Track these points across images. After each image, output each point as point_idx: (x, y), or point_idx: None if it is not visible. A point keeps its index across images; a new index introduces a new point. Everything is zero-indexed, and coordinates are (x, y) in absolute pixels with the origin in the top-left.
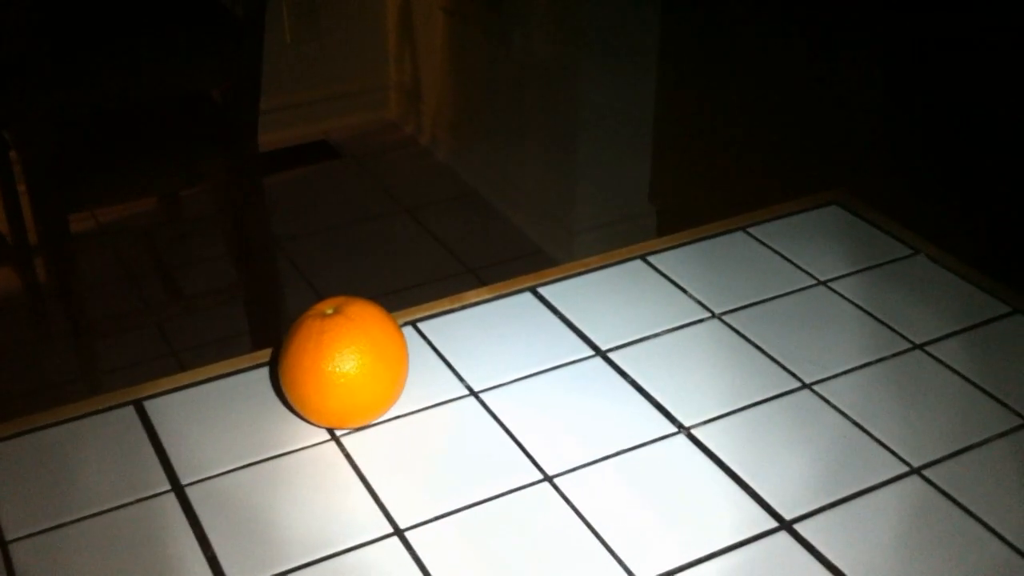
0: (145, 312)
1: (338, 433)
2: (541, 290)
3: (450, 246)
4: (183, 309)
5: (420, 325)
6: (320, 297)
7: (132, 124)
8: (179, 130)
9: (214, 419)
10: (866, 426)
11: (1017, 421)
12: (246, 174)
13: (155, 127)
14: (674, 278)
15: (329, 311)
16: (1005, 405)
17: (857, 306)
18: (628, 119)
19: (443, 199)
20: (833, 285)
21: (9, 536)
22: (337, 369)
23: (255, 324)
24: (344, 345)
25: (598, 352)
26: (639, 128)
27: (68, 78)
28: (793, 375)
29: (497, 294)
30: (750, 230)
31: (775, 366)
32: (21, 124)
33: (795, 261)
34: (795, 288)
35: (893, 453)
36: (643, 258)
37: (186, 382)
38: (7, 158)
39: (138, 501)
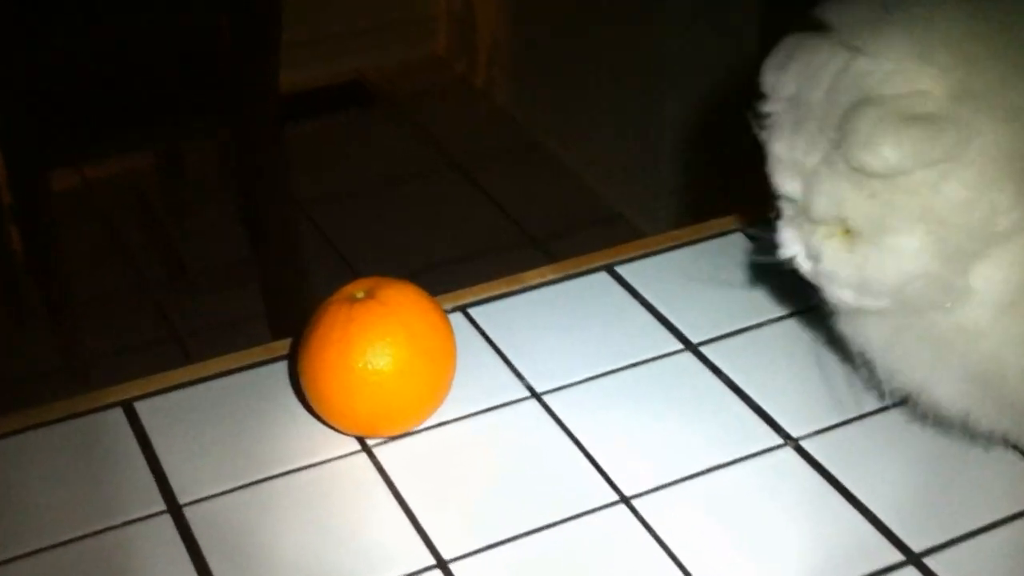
0: (140, 291)
1: (369, 443)
2: (619, 269)
3: (509, 211)
4: (186, 288)
5: (471, 311)
6: (352, 272)
7: (124, 62)
8: (181, 69)
9: (219, 425)
10: None
11: None
12: (262, 123)
13: (152, 65)
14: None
15: (359, 295)
16: None
17: None
18: (725, 55)
19: (500, 152)
20: None
21: None
22: (368, 366)
23: (273, 307)
24: (377, 336)
25: (688, 346)
26: (740, 68)
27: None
28: None
29: (565, 274)
30: None
31: None
32: None
33: None
34: None
35: None
36: (744, 231)
37: (185, 379)
38: None
39: (125, 524)
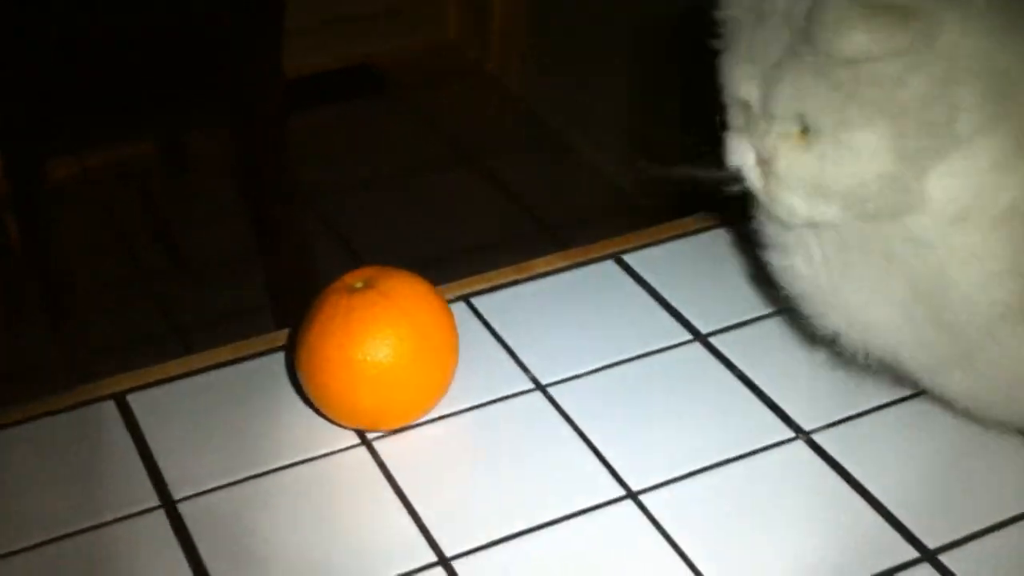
0: (140, 282)
1: (369, 436)
2: (627, 258)
3: (520, 199)
4: (188, 279)
5: (474, 301)
6: (357, 262)
7: (125, 48)
8: (183, 56)
9: (215, 418)
10: None
11: None
12: (266, 111)
13: (151, 49)
14: None
15: (359, 284)
16: None
17: None
18: None
19: (512, 140)
20: None
21: None
22: (368, 358)
23: (277, 299)
24: (377, 328)
25: (697, 336)
26: None
27: None
28: None
29: (572, 262)
30: None
31: None
32: None
33: None
34: None
35: None
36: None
37: (180, 371)
38: None
39: (117, 520)
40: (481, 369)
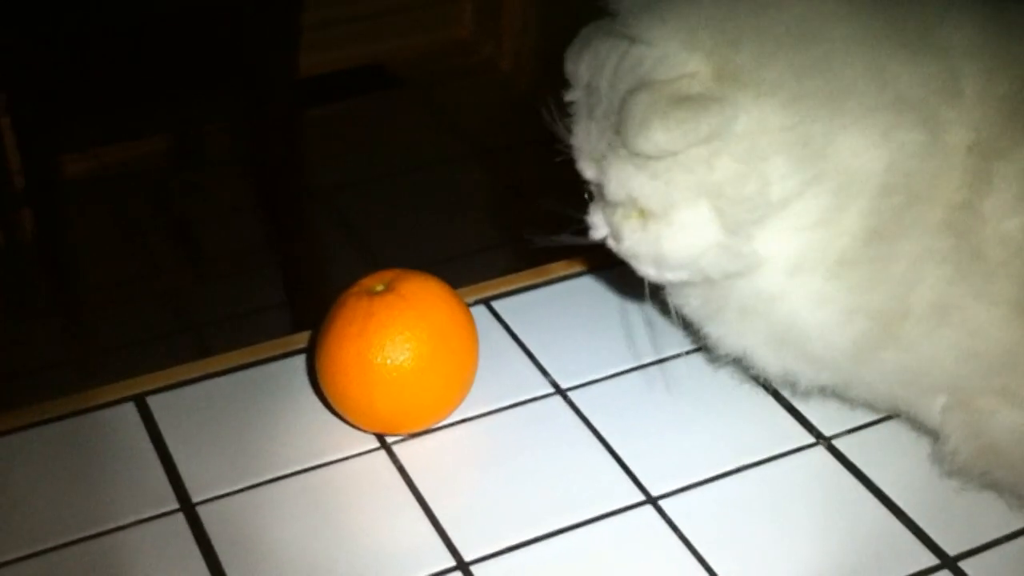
0: (155, 278)
1: (389, 440)
2: None
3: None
4: (202, 275)
5: (495, 304)
6: (374, 261)
7: (140, 44)
8: (198, 51)
9: (234, 421)
10: None
11: None
12: (282, 107)
13: (168, 46)
14: None
15: (379, 288)
16: None
17: None
18: None
19: (528, 139)
20: None
21: None
22: (388, 361)
23: (291, 295)
24: (396, 331)
25: None
26: None
27: None
28: None
29: (592, 266)
30: None
31: None
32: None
33: None
34: None
35: None
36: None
37: (200, 373)
38: None
39: (136, 524)
40: (501, 373)
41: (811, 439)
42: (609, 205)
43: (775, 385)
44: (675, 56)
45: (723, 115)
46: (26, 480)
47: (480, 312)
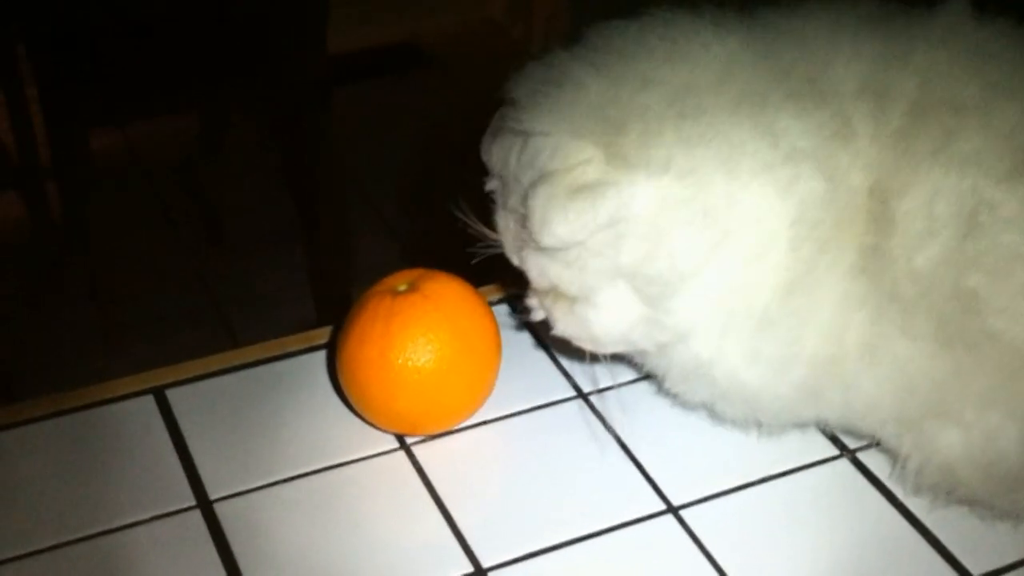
0: (179, 256)
1: (409, 441)
2: None
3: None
4: (227, 255)
5: (519, 304)
6: (403, 248)
7: (170, 20)
8: (226, 27)
9: (254, 416)
10: None
11: None
12: (311, 85)
13: (197, 24)
14: None
15: (402, 287)
16: None
17: None
18: None
19: None
20: None
21: None
22: (410, 363)
23: (317, 277)
24: (419, 332)
25: None
26: None
27: None
28: None
29: None
30: None
31: None
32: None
33: None
34: None
35: None
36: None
37: (220, 367)
38: (13, 54)
39: (153, 519)
40: (523, 374)
41: (835, 451)
42: (539, 294)
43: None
44: (567, 145)
45: (619, 199)
46: (42, 472)
47: (502, 311)
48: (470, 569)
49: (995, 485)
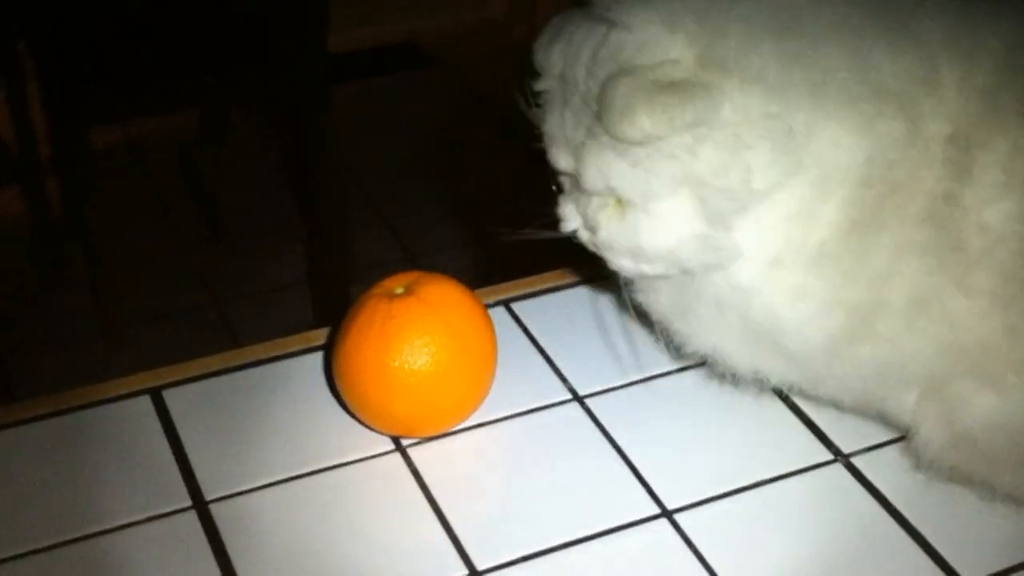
0: (179, 252)
1: (404, 443)
2: None
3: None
4: (226, 251)
5: (515, 307)
6: (402, 245)
7: (171, 17)
8: (228, 26)
9: (250, 417)
10: None
11: None
12: (311, 83)
13: (197, 21)
14: None
15: (399, 290)
16: None
17: None
18: None
19: None
20: None
21: None
22: (406, 365)
23: (316, 274)
24: (415, 335)
25: None
26: None
27: None
28: None
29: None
30: None
31: None
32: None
33: None
34: None
35: None
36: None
37: (216, 367)
38: (14, 51)
39: (149, 520)
40: (519, 377)
41: (829, 456)
42: (583, 196)
43: (743, 382)
44: (657, 41)
45: (708, 101)
46: (37, 472)
47: (499, 314)
48: (465, 571)
49: (1013, 457)
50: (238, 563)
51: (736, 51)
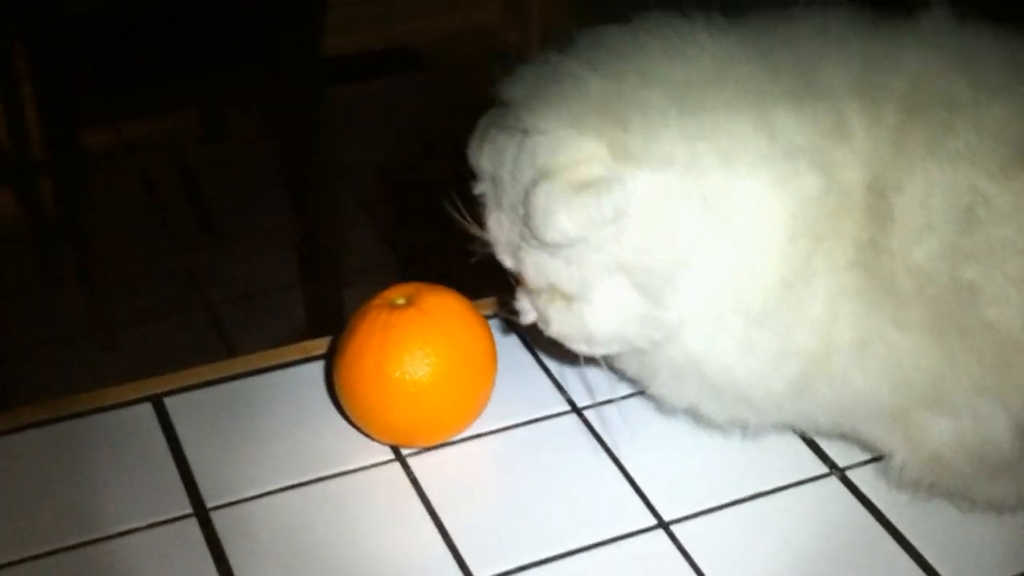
0: (172, 254)
1: (404, 452)
2: None
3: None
4: (219, 253)
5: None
6: (397, 251)
7: (166, 19)
8: (222, 28)
9: (251, 426)
10: None
11: None
12: (305, 87)
13: (192, 23)
14: None
15: (400, 301)
16: None
17: None
18: None
19: None
20: None
21: None
22: (407, 375)
23: (309, 277)
24: (416, 345)
25: None
26: None
27: None
28: None
29: None
30: None
31: None
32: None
33: None
34: None
35: None
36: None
37: (218, 375)
38: (8, 49)
39: (150, 527)
40: (517, 387)
41: (825, 469)
42: (533, 293)
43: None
44: (568, 142)
45: (624, 193)
46: (38, 478)
47: (499, 325)
48: None
49: (983, 470)
50: (239, 570)
51: (642, 135)
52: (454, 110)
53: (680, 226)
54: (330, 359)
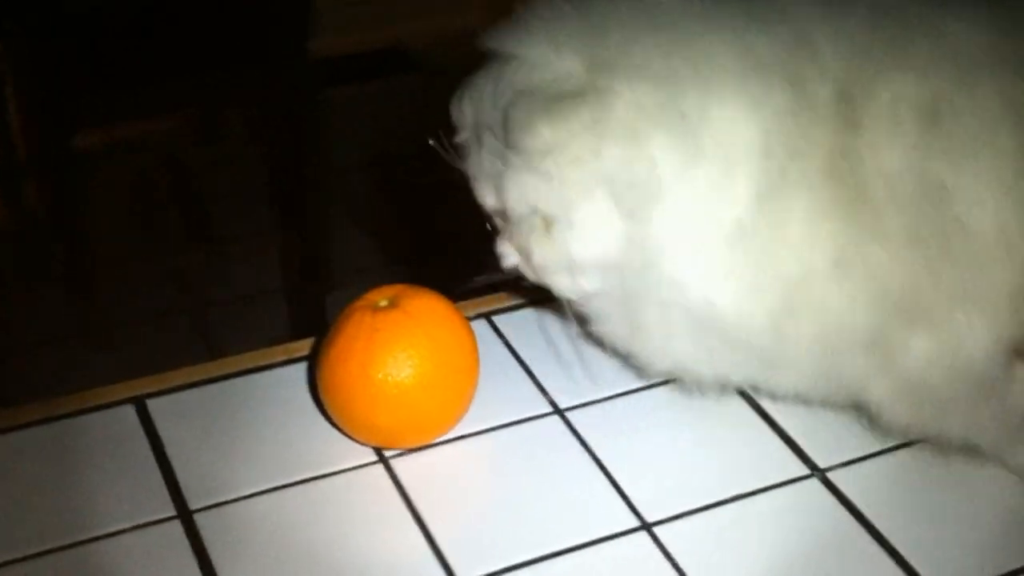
0: (162, 256)
1: (387, 454)
2: None
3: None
4: (209, 255)
5: (497, 320)
6: (385, 251)
7: (151, 21)
8: (211, 30)
9: (234, 428)
10: None
11: None
12: (295, 88)
13: (181, 25)
14: None
15: (383, 303)
16: None
17: None
18: None
19: None
20: None
21: None
22: (390, 377)
23: (299, 279)
24: (399, 348)
25: None
26: None
27: None
28: None
29: None
30: None
31: None
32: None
33: None
34: None
35: None
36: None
37: (201, 377)
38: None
39: (133, 529)
40: (500, 389)
41: (806, 470)
42: (514, 226)
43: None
44: (545, 60)
45: (600, 101)
46: (20, 481)
47: (481, 327)
48: None
49: (960, 394)
50: (222, 572)
51: (618, 50)
52: (446, 111)
53: (657, 139)
54: (313, 361)
